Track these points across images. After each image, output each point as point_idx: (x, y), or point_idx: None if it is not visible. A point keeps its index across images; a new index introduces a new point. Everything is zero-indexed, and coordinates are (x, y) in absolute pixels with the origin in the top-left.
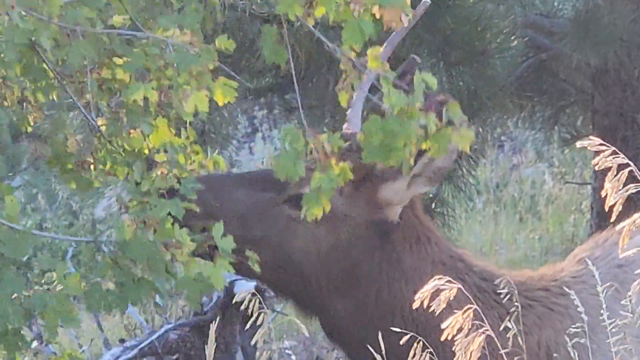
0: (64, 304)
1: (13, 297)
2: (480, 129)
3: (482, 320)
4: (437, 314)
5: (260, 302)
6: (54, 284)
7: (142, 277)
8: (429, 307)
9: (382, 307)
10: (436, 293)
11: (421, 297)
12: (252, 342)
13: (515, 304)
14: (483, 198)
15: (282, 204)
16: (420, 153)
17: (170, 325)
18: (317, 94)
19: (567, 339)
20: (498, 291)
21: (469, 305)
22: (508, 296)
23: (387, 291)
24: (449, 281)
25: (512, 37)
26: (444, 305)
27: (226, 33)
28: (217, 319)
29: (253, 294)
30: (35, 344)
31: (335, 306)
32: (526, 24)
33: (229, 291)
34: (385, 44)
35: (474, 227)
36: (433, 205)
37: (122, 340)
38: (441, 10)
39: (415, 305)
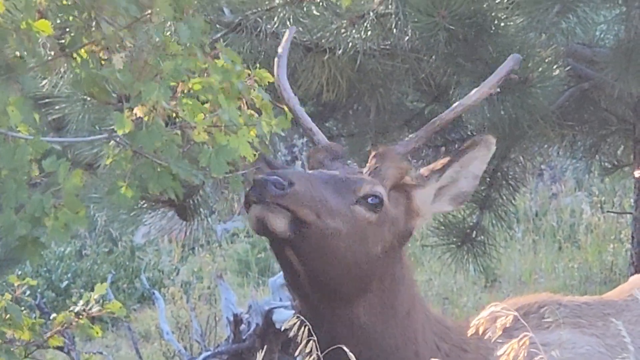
0: (72, 201)
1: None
2: (521, 158)
3: None
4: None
5: (309, 330)
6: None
7: (161, 166)
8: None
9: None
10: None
11: (477, 323)
12: None
13: None
14: (522, 227)
15: (354, 205)
16: (450, 161)
17: (208, 353)
18: (358, 122)
19: None
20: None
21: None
22: None
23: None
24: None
25: (554, 66)
26: (500, 332)
27: (268, 61)
28: (256, 346)
29: (301, 322)
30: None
31: (364, 314)
32: (568, 53)
33: (268, 319)
34: None
35: (513, 255)
36: (474, 233)
37: None
38: (483, 39)
39: (470, 332)
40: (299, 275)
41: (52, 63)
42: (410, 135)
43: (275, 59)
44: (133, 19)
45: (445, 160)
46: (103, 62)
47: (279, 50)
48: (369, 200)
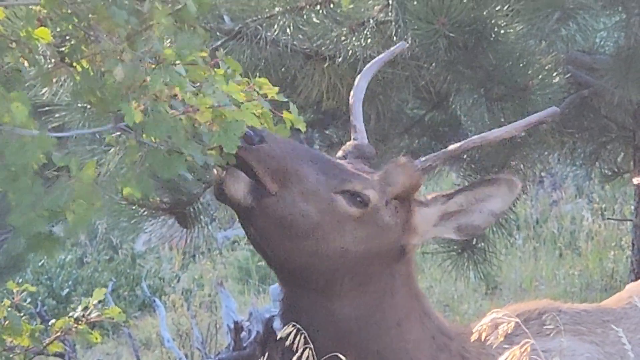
0: (88, 193)
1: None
2: (521, 165)
3: None
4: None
5: (305, 338)
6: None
7: (171, 150)
8: None
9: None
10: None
11: (480, 330)
12: None
13: None
14: (523, 234)
15: (338, 193)
16: (463, 189)
17: None
18: None
19: None
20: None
21: (525, 340)
22: None
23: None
24: (506, 315)
25: (554, 74)
26: (501, 339)
27: (268, 68)
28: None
29: (298, 330)
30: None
31: (343, 310)
32: (568, 60)
33: (268, 327)
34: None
35: (514, 262)
36: (474, 241)
37: None
38: (483, 46)
39: (473, 338)
40: (266, 254)
41: (53, 72)
42: (430, 155)
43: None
44: (133, 31)
45: (461, 187)
46: (103, 73)
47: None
48: (357, 196)
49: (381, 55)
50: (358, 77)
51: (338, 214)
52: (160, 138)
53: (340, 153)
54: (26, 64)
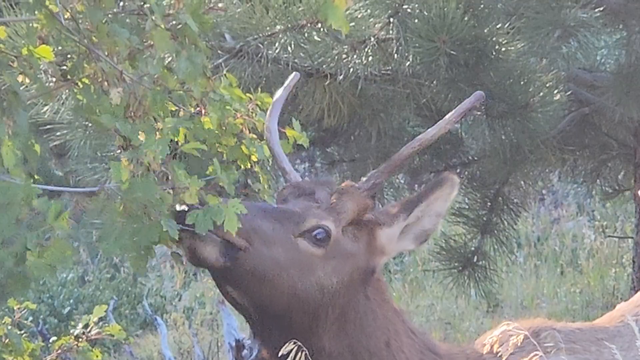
0: (60, 242)
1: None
2: (522, 182)
3: None
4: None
5: (306, 356)
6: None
7: (151, 220)
8: None
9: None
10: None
11: (490, 341)
12: None
13: None
14: (524, 251)
15: (298, 237)
16: (417, 200)
17: None
18: (359, 147)
19: None
20: None
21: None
22: None
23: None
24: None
25: (555, 91)
26: (511, 351)
27: (269, 86)
28: None
29: (299, 347)
30: None
31: (331, 344)
32: (569, 78)
33: None
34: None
35: (515, 280)
36: (475, 258)
37: None
38: (484, 64)
39: (485, 350)
40: (245, 308)
41: (55, 90)
42: (372, 171)
43: (272, 103)
44: (134, 49)
45: (413, 197)
46: (102, 92)
47: (277, 94)
48: (315, 233)
49: (280, 93)
50: (268, 120)
51: (304, 256)
52: (144, 201)
53: (279, 197)
54: (27, 80)
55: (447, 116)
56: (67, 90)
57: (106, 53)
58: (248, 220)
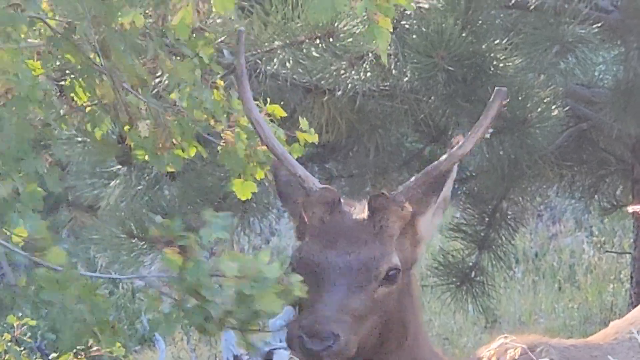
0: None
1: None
2: (520, 198)
3: None
4: None
5: None
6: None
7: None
8: None
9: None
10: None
11: (487, 355)
12: None
13: None
14: (522, 267)
15: (377, 289)
16: (442, 179)
17: None
18: (358, 163)
19: None
20: None
21: None
22: None
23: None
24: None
25: (553, 107)
26: None
27: (266, 102)
28: None
29: None
30: None
31: (420, 351)
32: (567, 93)
33: None
34: None
35: (513, 296)
36: (473, 274)
37: None
38: (482, 80)
39: None
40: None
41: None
42: (410, 181)
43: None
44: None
45: (433, 174)
46: (128, 128)
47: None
48: (390, 274)
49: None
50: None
51: (383, 301)
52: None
53: (314, 217)
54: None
55: (478, 124)
56: (65, 106)
57: (130, 85)
58: (348, 317)
